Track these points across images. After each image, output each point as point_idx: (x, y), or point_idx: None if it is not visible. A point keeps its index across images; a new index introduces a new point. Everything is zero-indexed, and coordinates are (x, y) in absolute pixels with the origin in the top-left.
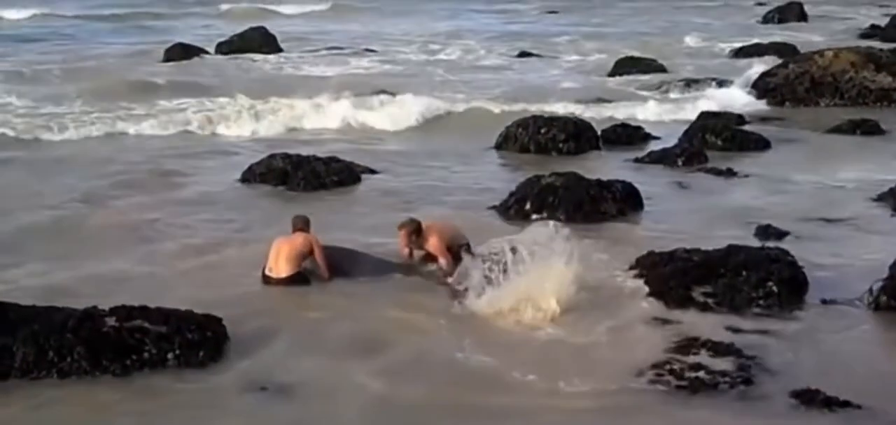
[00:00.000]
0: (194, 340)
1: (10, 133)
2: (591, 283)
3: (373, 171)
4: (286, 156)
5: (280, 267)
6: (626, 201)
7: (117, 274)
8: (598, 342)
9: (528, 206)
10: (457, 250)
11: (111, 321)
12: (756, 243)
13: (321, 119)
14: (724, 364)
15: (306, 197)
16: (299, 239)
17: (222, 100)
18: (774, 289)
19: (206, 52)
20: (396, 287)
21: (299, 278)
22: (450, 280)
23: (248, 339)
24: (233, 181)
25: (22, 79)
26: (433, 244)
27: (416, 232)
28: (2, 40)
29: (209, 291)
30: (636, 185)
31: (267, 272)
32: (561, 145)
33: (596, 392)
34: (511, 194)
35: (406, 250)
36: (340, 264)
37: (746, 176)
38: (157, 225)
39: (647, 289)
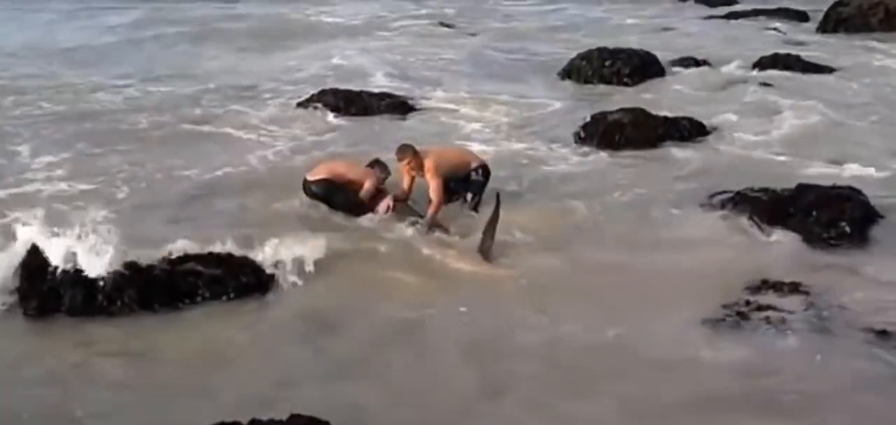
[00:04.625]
0: (248, 284)
1: None
2: (659, 220)
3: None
4: (338, 92)
5: (317, 170)
6: (694, 137)
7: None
8: (667, 282)
9: (596, 143)
10: (461, 177)
11: (163, 265)
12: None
13: None
14: (795, 303)
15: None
16: (361, 168)
17: None
18: (846, 228)
19: None
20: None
21: (326, 184)
22: (420, 223)
23: (301, 280)
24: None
25: None
26: (427, 167)
27: (414, 157)
28: None
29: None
30: (703, 118)
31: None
32: (626, 78)
33: (666, 333)
34: (576, 133)
35: (407, 179)
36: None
37: (814, 106)
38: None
39: (715, 228)
